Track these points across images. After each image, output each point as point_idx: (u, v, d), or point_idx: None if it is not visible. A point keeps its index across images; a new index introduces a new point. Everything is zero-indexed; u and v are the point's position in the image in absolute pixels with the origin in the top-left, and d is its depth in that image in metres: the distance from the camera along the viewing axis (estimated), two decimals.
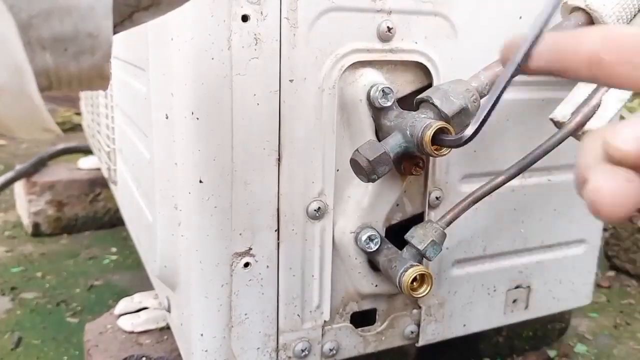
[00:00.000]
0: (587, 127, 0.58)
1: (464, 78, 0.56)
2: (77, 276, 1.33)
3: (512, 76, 0.31)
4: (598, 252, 0.83)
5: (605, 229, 1.31)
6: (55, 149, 1.72)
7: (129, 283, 1.29)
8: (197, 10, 0.50)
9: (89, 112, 1.52)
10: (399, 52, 0.59)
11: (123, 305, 0.88)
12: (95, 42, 0.27)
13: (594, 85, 0.59)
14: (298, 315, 0.62)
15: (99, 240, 1.55)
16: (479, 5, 0.62)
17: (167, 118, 0.57)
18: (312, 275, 0.61)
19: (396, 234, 0.63)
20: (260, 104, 0.54)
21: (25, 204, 1.58)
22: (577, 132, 0.58)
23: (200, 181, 0.55)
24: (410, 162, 0.60)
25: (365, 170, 0.52)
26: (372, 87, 0.56)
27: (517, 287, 0.77)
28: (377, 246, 0.60)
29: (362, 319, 0.68)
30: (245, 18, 0.52)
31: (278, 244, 0.59)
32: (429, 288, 0.57)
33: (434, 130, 0.50)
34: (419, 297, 0.58)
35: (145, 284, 0.91)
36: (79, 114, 2.41)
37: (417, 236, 0.58)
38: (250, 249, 0.58)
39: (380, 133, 0.58)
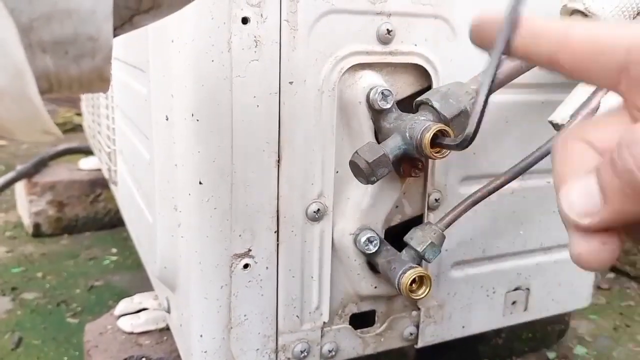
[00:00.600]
0: None
1: (463, 80, 0.56)
2: (77, 277, 1.34)
3: (497, 68, 0.30)
4: None
5: None
6: (56, 150, 1.73)
7: (129, 284, 1.29)
8: (197, 12, 0.50)
9: (89, 112, 1.53)
10: (398, 54, 0.59)
11: (123, 306, 0.88)
12: (95, 45, 0.27)
13: (593, 88, 0.59)
14: (297, 316, 0.62)
15: (99, 241, 1.55)
16: (478, 8, 0.62)
17: (167, 119, 0.58)
18: (312, 277, 0.62)
19: (395, 235, 0.63)
20: (260, 105, 0.54)
21: (26, 205, 1.59)
22: None
23: (200, 183, 0.55)
24: (410, 164, 0.61)
25: (364, 172, 0.52)
26: (371, 89, 0.57)
27: (516, 289, 0.78)
28: (376, 248, 0.60)
29: (361, 320, 0.68)
30: (245, 20, 0.52)
31: (277, 245, 0.59)
32: (428, 290, 0.57)
33: (433, 133, 0.50)
34: (418, 299, 0.58)
35: (145, 285, 0.91)
36: (79, 114, 2.41)
37: (416, 238, 0.58)
38: (250, 250, 0.58)
39: (379, 135, 0.58)
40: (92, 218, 1.63)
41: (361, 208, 0.61)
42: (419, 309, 0.70)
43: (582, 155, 0.26)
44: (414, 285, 0.57)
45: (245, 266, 0.58)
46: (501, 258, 0.74)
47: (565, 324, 1.00)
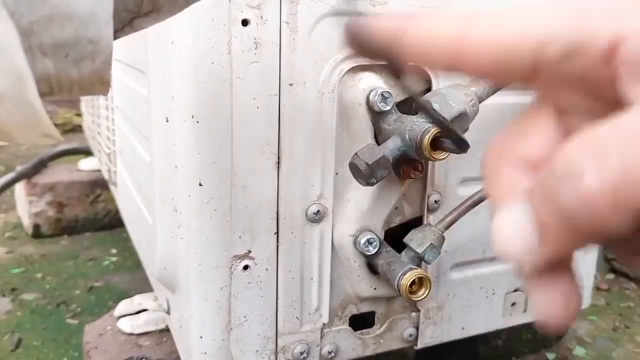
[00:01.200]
0: None
1: (463, 82, 0.56)
2: (77, 277, 1.34)
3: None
4: (597, 255, 0.84)
5: None
6: (55, 151, 1.73)
7: (129, 284, 1.30)
8: (197, 14, 0.50)
9: (89, 113, 1.53)
10: None
11: (123, 307, 0.88)
12: (95, 48, 0.27)
13: None
14: (297, 317, 0.62)
15: (99, 242, 1.55)
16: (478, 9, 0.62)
17: (167, 121, 0.58)
18: (311, 278, 0.62)
19: (395, 237, 0.63)
20: (260, 107, 0.54)
21: (25, 205, 1.59)
22: None
23: (200, 184, 0.55)
24: (409, 166, 0.61)
25: (364, 174, 0.52)
26: (371, 91, 0.57)
27: (515, 290, 0.78)
28: (375, 249, 0.60)
29: (361, 321, 0.68)
30: (245, 22, 0.52)
31: (277, 246, 0.59)
32: (427, 291, 0.57)
33: (432, 135, 0.51)
34: (418, 300, 0.58)
35: (145, 286, 0.91)
36: (79, 115, 2.41)
37: (416, 239, 0.58)
38: (250, 251, 0.58)
39: (379, 137, 0.58)
40: (91, 219, 1.63)
41: (361, 209, 0.61)
42: (418, 310, 0.70)
43: (511, 176, 0.23)
44: (413, 286, 0.57)
45: (245, 267, 0.58)
46: (500, 259, 0.74)
47: None
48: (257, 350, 0.62)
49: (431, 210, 0.66)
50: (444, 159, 0.52)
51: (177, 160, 0.56)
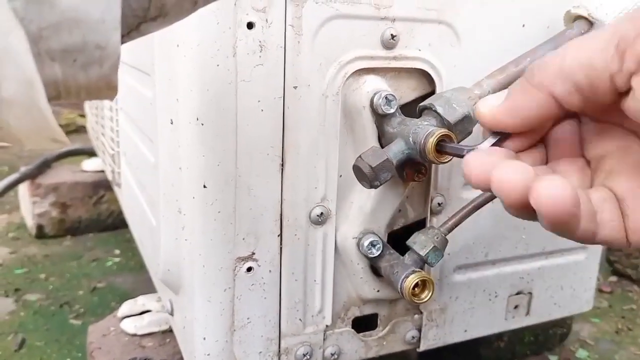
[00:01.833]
0: None
1: (467, 85, 0.56)
2: (80, 278, 1.34)
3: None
4: (599, 258, 0.84)
5: None
6: (59, 151, 1.73)
7: (132, 285, 1.30)
8: (202, 17, 0.51)
9: (93, 114, 1.53)
10: (402, 59, 0.59)
11: (126, 307, 0.88)
12: (103, 54, 0.27)
13: None
14: (300, 319, 0.63)
15: (102, 243, 1.56)
16: (482, 14, 0.62)
17: (172, 123, 0.58)
18: (315, 280, 0.62)
19: (398, 239, 0.63)
20: (264, 110, 0.55)
21: (29, 206, 1.59)
22: None
23: (205, 186, 0.55)
24: (413, 169, 0.61)
25: (367, 177, 0.52)
26: (375, 94, 0.57)
27: (518, 293, 0.78)
28: (379, 252, 0.61)
29: (364, 323, 0.68)
30: (250, 25, 0.52)
31: (281, 248, 0.59)
32: (430, 294, 0.57)
33: (436, 138, 0.51)
34: (421, 303, 0.59)
35: (148, 287, 0.91)
36: (83, 115, 2.42)
37: (419, 242, 0.58)
38: (253, 253, 0.58)
39: (383, 139, 0.58)
40: (95, 220, 1.63)
41: (364, 212, 0.61)
42: (421, 312, 0.71)
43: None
44: (416, 289, 0.57)
45: (249, 269, 0.59)
46: (503, 262, 0.75)
47: (568, 327, 1.01)
48: (260, 352, 0.62)
49: (434, 213, 0.66)
50: (447, 162, 0.52)
51: (181, 162, 0.57)
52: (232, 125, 0.54)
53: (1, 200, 1.78)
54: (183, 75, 0.54)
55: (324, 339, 0.65)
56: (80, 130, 2.66)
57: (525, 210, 0.30)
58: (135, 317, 0.86)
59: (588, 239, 0.31)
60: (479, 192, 0.60)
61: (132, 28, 0.31)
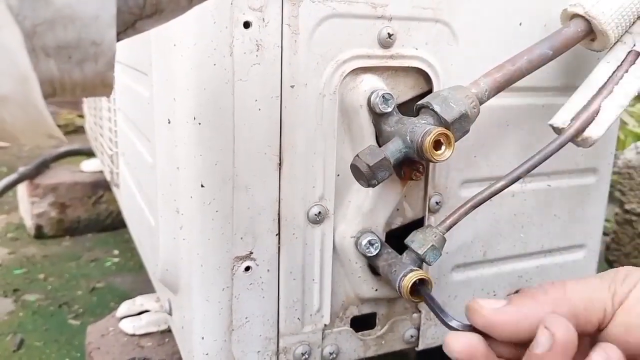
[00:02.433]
0: (586, 133, 0.58)
1: (464, 84, 0.56)
2: (79, 278, 1.34)
3: None
4: (598, 257, 0.84)
5: (605, 234, 1.31)
6: (58, 152, 1.73)
7: (131, 285, 1.30)
8: (199, 16, 0.51)
9: (91, 115, 1.53)
10: (399, 58, 0.59)
11: (125, 307, 0.88)
12: (98, 50, 0.27)
13: (594, 91, 0.60)
14: (298, 319, 0.63)
15: (101, 243, 1.56)
16: (479, 12, 0.62)
17: (169, 123, 0.58)
18: (313, 279, 0.62)
19: (396, 238, 0.63)
20: (261, 109, 0.55)
21: (28, 206, 1.59)
22: (577, 137, 0.59)
23: (202, 185, 0.55)
24: (411, 167, 0.61)
25: (365, 176, 0.52)
26: (372, 92, 0.57)
27: (516, 292, 0.78)
28: (377, 251, 0.61)
29: (362, 323, 0.68)
30: (247, 24, 0.52)
31: (279, 248, 0.59)
32: None
33: (434, 136, 0.51)
34: (419, 302, 0.59)
35: (146, 287, 0.91)
36: (81, 116, 2.42)
37: (417, 241, 0.58)
38: (251, 253, 0.58)
39: (380, 138, 0.59)
40: (93, 220, 1.64)
41: (362, 211, 0.61)
42: (419, 311, 0.71)
43: None
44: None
45: (247, 269, 0.59)
46: (502, 261, 0.75)
47: None
48: (259, 351, 0.62)
49: (432, 212, 0.66)
50: (445, 160, 0.52)
51: (179, 162, 0.57)
52: (229, 125, 0.54)
53: (0, 201, 1.78)
54: (180, 75, 0.54)
55: (322, 338, 0.65)
56: (79, 130, 2.66)
57: None
58: (134, 317, 0.86)
59: None
60: (477, 190, 0.60)
61: (128, 25, 0.31)
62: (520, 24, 0.65)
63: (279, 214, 0.58)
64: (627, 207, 1.28)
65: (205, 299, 0.59)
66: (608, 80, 0.59)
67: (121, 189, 1.07)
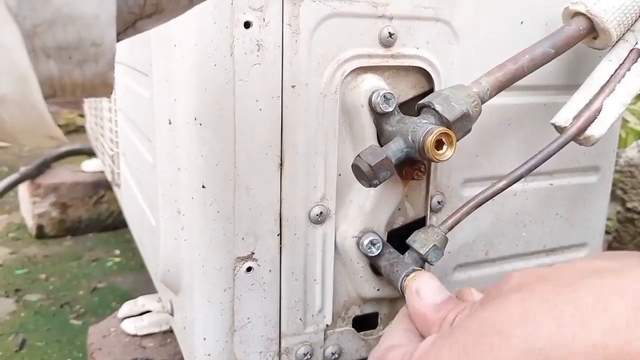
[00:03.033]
0: (588, 131, 0.58)
1: (466, 83, 0.56)
2: (80, 278, 1.34)
3: None
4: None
5: (607, 232, 1.31)
6: (59, 151, 1.73)
7: (132, 285, 1.30)
8: (199, 16, 0.51)
9: (92, 115, 1.53)
10: (400, 57, 0.59)
11: (126, 308, 0.88)
12: (98, 51, 0.27)
13: (596, 90, 0.59)
14: (300, 319, 0.62)
15: (102, 243, 1.56)
16: (480, 11, 0.62)
17: (170, 123, 0.58)
18: (315, 280, 0.62)
19: (398, 238, 0.63)
20: (262, 109, 0.54)
21: (29, 206, 1.59)
22: (579, 136, 0.59)
23: (203, 186, 0.55)
24: (412, 167, 0.61)
25: (367, 176, 0.52)
26: (373, 92, 0.57)
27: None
28: (379, 250, 0.60)
29: (364, 323, 0.68)
30: (247, 24, 0.52)
31: (280, 248, 0.59)
32: None
33: (435, 136, 0.51)
34: None
35: (148, 287, 0.91)
36: (82, 116, 2.42)
37: (419, 240, 0.58)
38: (253, 253, 0.58)
39: (381, 138, 0.58)
40: (95, 220, 1.64)
41: (364, 211, 0.61)
42: None
43: None
44: None
45: (249, 269, 0.59)
46: (504, 260, 0.74)
47: None
48: (261, 352, 0.62)
49: (434, 211, 0.66)
50: (447, 160, 0.52)
51: (180, 163, 0.56)
52: (230, 125, 0.54)
53: (1, 201, 1.78)
54: (180, 75, 0.54)
55: (324, 339, 0.65)
56: (80, 130, 2.66)
57: None
58: (136, 317, 0.86)
59: None
60: (479, 189, 0.59)
61: (128, 25, 0.31)
62: (522, 22, 0.64)
63: (280, 215, 0.58)
64: (629, 205, 1.27)
65: (207, 300, 0.58)
66: (610, 78, 0.59)
67: (122, 189, 1.07)
